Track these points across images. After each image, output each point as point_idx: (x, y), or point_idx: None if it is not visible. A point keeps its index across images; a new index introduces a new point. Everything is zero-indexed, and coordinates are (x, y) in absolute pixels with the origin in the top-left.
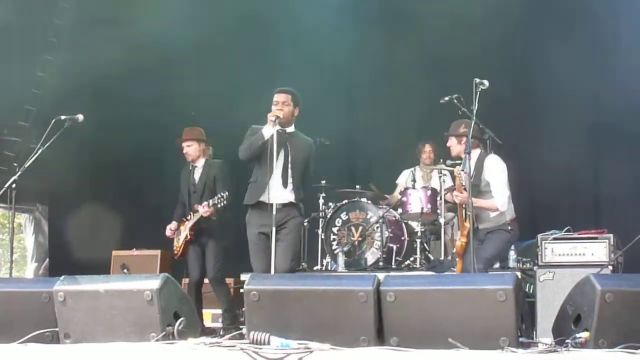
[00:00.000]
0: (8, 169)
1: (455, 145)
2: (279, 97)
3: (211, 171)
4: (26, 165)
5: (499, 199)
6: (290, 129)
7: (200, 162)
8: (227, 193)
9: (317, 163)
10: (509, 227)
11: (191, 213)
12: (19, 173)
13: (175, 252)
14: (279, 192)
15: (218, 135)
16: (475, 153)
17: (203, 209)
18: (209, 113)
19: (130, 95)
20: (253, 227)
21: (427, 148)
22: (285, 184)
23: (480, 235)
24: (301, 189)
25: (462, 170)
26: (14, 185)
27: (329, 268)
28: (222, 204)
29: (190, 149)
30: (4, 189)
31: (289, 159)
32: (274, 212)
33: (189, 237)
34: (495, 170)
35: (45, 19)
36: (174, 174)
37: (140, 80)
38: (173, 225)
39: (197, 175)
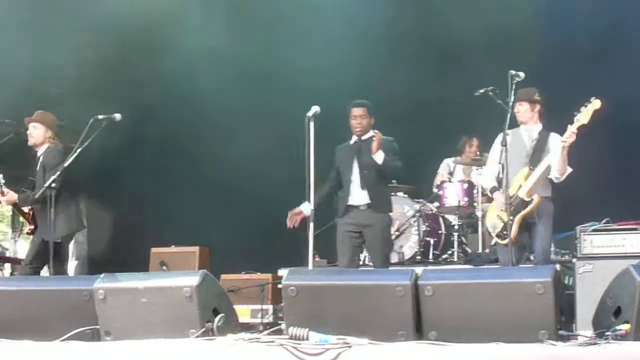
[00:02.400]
0: None
1: (527, 111)
2: (356, 112)
3: (44, 160)
4: (65, 165)
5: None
6: (366, 136)
7: (42, 149)
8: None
9: None
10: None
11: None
12: (58, 172)
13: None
14: (359, 196)
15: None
16: (538, 126)
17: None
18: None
19: (166, 93)
20: (341, 226)
21: (475, 142)
22: (362, 188)
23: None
24: (382, 189)
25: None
26: (53, 185)
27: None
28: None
29: (36, 131)
30: (43, 188)
31: (363, 164)
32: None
33: (30, 228)
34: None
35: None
36: (213, 169)
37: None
38: None
39: (39, 162)
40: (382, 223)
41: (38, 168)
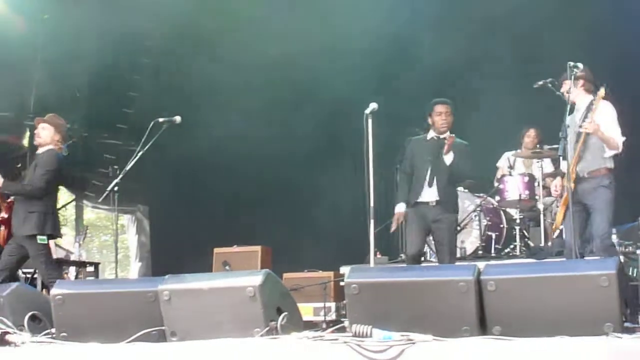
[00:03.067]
0: (109, 172)
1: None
2: (442, 108)
3: (38, 159)
4: (127, 168)
5: (618, 138)
6: (445, 135)
7: (42, 150)
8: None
9: None
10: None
11: None
12: (121, 175)
13: None
14: (430, 193)
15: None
16: (588, 98)
17: None
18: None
19: (223, 96)
20: (411, 216)
21: (532, 132)
22: (430, 185)
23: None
24: (450, 189)
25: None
26: (116, 188)
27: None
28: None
29: (44, 132)
30: (107, 191)
31: (439, 163)
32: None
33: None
34: (610, 112)
35: (138, 24)
36: (273, 169)
37: (232, 85)
38: None
39: (34, 161)
40: (450, 220)
41: (31, 167)
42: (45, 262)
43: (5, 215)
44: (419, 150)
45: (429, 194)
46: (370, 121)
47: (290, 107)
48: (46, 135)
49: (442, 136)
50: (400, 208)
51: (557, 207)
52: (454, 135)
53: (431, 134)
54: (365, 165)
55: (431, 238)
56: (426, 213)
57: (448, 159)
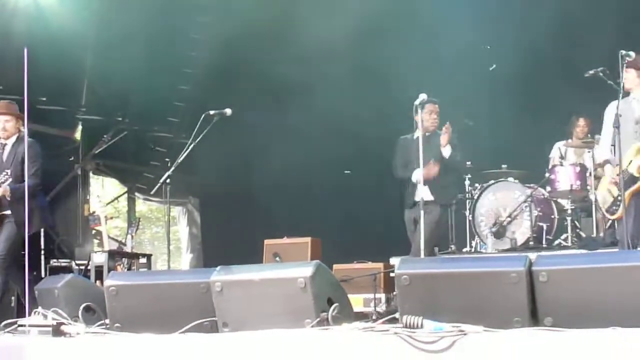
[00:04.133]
0: (160, 164)
1: (634, 78)
2: (431, 107)
3: (18, 149)
4: (179, 161)
5: None
6: (433, 132)
7: (11, 141)
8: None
9: (463, 144)
10: None
11: None
12: (173, 168)
13: None
14: (424, 191)
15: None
16: None
17: None
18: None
19: (273, 88)
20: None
21: (582, 122)
22: (425, 183)
23: None
24: (446, 183)
25: None
26: (168, 180)
27: (478, 249)
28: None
29: (9, 124)
30: (159, 184)
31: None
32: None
33: None
34: None
35: (188, 17)
36: (321, 160)
37: (283, 77)
38: None
39: (5, 152)
40: (436, 214)
41: (8, 158)
42: (10, 247)
43: None
44: (411, 149)
45: (422, 193)
46: (420, 112)
47: (339, 101)
48: (11, 127)
49: (427, 133)
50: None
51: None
52: (449, 127)
53: (417, 133)
54: (418, 153)
55: None
56: (417, 212)
57: (446, 151)
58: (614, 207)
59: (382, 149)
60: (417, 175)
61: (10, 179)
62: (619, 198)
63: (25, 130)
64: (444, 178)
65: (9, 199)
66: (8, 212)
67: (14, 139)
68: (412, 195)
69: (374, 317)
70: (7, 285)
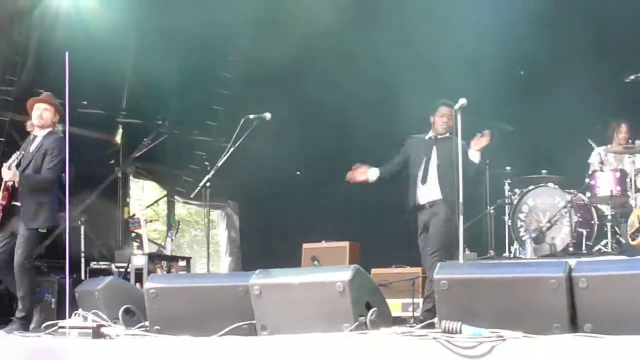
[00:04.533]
0: (200, 168)
1: None
2: (445, 110)
3: (45, 143)
4: (218, 164)
5: None
6: (444, 135)
7: (43, 133)
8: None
9: (502, 149)
10: None
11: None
12: (213, 172)
13: None
14: (431, 192)
15: None
16: None
17: (4, 172)
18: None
19: (312, 93)
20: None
21: (624, 127)
22: (435, 184)
23: None
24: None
25: None
26: (207, 184)
27: (517, 255)
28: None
29: (47, 113)
30: (198, 187)
31: (438, 162)
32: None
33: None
34: None
35: (227, 20)
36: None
37: (323, 81)
38: None
39: (34, 144)
40: (445, 212)
41: (34, 150)
42: (29, 246)
43: (3, 202)
44: (416, 150)
45: (425, 194)
46: (459, 116)
47: (381, 101)
48: (48, 117)
49: (440, 136)
50: (372, 171)
51: None
52: (490, 134)
53: (430, 134)
54: (455, 159)
55: None
56: (423, 216)
57: (476, 157)
58: (637, 234)
59: None
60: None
61: (26, 166)
62: None
63: (66, 133)
64: (450, 180)
65: (16, 184)
66: (18, 203)
67: (45, 132)
68: (414, 197)
69: (412, 322)
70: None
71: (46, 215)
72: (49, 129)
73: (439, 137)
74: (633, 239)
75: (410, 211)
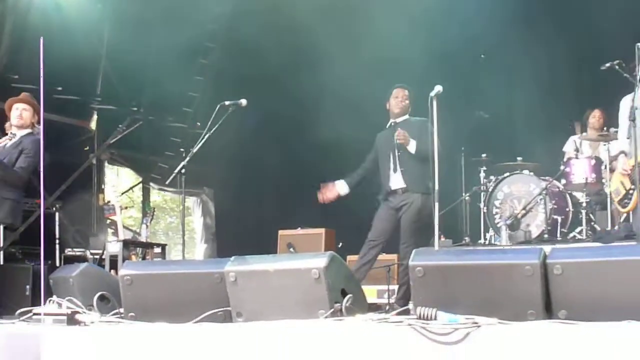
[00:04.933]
0: (175, 154)
1: None
2: (398, 92)
3: (23, 143)
4: (194, 151)
5: None
6: (401, 118)
7: (22, 132)
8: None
9: (478, 137)
10: None
11: None
12: (188, 158)
13: None
14: (395, 180)
15: None
16: None
17: None
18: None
19: (289, 81)
20: (384, 206)
21: (597, 113)
22: (395, 170)
23: None
24: (418, 172)
25: None
26: (183, 171)
27: (493, 242)
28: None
29: (26, 113)
30: (173, 174)
31: (398, 147)
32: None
33: None
34: None
35: (204, 7)
36: (336, 152)
37: (298, 68)
38: None
39: (11, 142)
40: (417, 203)
41: (11, 147)
42: None
43: None
44: (382, 141)
45: (395, 182)
46: (435, 104)
47: (356, 91)
48: (27, 117)
49: (398, 120)
50: (339, 185)
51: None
52: (401, 130)
53: (390, 122)
54: (430, 146)
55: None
56: (395, 201)
57: (411, 147)
58: (626, 201)
59: None
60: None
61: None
62: (631, 191)
63: (41, 118)
64: (418, 168)
65: None
66: None
67: (25, 132)
68: (386, 185)
69: (387, 309)
70: None
71: (7, 211)
72: (28, 130)
73: (397, 121)
74: (623, 207)
75: (384, 200)
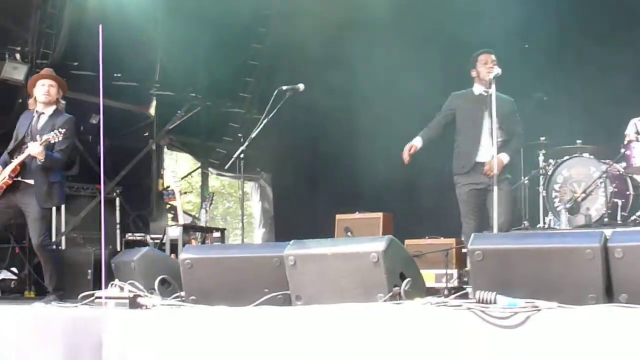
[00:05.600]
0: (233, 140)
1: None
2: (486, 58)
3: (56, 121)
4: (252, 136)
5: None
6: (492, 89)
7: (49, 110)
8: (64, 130)
9: (536, 119)
10: None
11: (16, 156)
12: (247, 143)
13: None
14: (485, 153)
15: None
16: None
17: (33, 146)
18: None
19: (341, 64)
20: (464, 188)
21: None
22: (492, 144)
23: None
24: (509, 148)
25: None
26: (242, 156)
27: (552, 226)
28: (56, 140)
29: (53, 89)
30: (232, 159)
31: (492, 120)
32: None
33: (5, 180)
34: None
35: None
36: (392, 135)
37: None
38: None
39: (41, 121)
40: (506, 184)
41: (43, 128)
42: (45, 225)
43: (13, 175)
44: (465, 106)
45: (484, 155)
46: (494, 86)
47: (410, 75)
48: (54, 93)
49: (490, 91)
50: (417, 141)
51: None
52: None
53: (478, 89)
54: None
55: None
56: (480, 178)
57: (505, 158)
58: None
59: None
60: (418, 140)
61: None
62: None
63: (101, 106)
64: (499, 148)
65: (40, 162)
66: (31, 181)
67: (52, 109)
68: (471, 155)
69: (445, 293)
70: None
71: (58, 194)
72: (54, 106)
73: (490, 92)
74: None
75: (469, 171)
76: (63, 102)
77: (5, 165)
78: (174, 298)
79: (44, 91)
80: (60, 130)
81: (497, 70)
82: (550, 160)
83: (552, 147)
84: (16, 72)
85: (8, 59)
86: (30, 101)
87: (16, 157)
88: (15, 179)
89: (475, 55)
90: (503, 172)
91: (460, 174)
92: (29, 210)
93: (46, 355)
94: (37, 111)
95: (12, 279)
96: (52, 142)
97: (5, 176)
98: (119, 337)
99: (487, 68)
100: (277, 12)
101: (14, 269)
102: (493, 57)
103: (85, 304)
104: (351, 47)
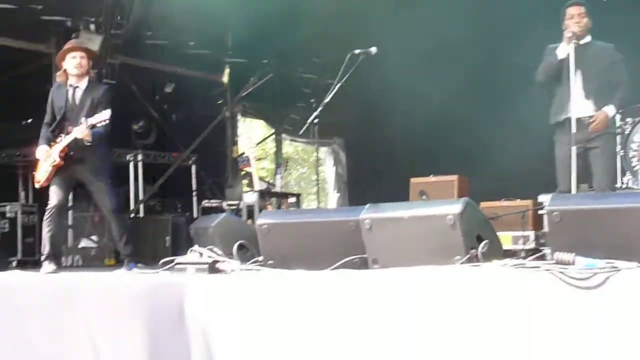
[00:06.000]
0: (306, 105)
1: None
2: (573, 10)
3: (94, 94)
4: (325, 101)
5: None
6: (585, 39)
7: (83, 82)
8: (109, 113)
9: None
10: None
11: (62, 135)
12: (320, 109)
13: (38, 179)
14: (581, 106)
15: None
16: None
17: (79, 130)
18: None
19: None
20: (562, 145)
21: None
22: (587, 97)
23: None
24: (608, 101)
25: None
26: (315, 121)
27: (630, 186)
28: (102, 125)
29: (85, 60)
30: (306, 125)
31: (586, 72)
32: (575, 128)
33: (57, 162)
34: None
35: None
36: (467, 97)
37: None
38: (43, 149)
39: (77, 95)
40: (608, 140)
41: (81, 101)
42: (109, 193)
43: (62, 163)
44: (561, 58)
45: (583, 109)
46: (572, 46)
47: (479, 41)
48: (86, 64)
49: (581, 42)
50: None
51: None
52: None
53: (570, 42)
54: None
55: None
56: (581, 132)
57: (611, 111)
58: None
59: (528, 82)
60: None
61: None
62: None
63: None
64: (603, 96)
65: (88, 143)
66: (82, 156)
67: (85, 81)
68: (564, 111)
69: (522, 255)
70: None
71: (109, 165)
72: (87, 78)
73: (581, 43)
74: None
75: (566, 127)
76: (93, 71)
77: (48, 141)
78: (252, 263)
79: (75, 63)
80: (102, 110)
81: (574, 29)
82: (628, 119)
83: (630, 105)
84: (91, 42)
85: (82, 30)
86: (59, 73)
87: (61, 137)
88: (65, 159)
89: (563, 8)
90: (608, 126)
91: (559, 132)
92: (88, 185)
93: (130, 321)
94: (70, 85)
95: (93, 247)
96: (99, 126)
97: (55, 158)
98: (201, 302)
99: (572, 23)
100: None
101: (94, 237)
102: (580, 9)
103: (166, 270)
104: (426, 9)
